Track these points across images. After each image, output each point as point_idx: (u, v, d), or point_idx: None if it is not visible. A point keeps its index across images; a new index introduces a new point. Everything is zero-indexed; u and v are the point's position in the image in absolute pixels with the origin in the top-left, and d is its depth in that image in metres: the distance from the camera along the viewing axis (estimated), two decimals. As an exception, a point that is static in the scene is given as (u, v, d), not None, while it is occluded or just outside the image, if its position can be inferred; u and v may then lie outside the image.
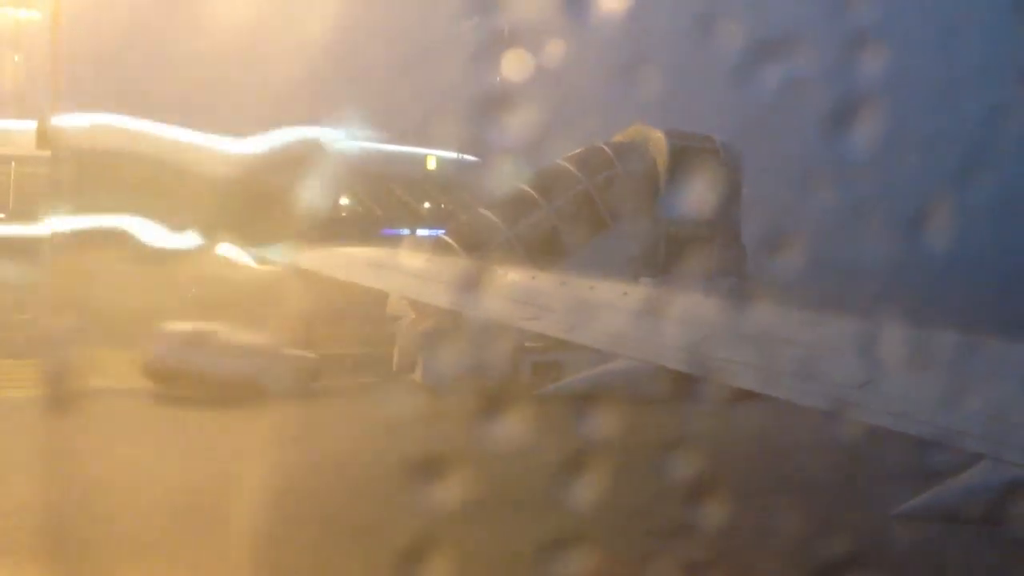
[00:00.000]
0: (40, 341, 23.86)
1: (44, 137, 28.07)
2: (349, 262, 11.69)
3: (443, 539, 9.73)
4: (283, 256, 13.14)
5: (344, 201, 33.82)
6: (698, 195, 26.16)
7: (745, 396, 7.76)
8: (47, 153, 28.13)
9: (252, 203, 29.32)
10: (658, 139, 27.83)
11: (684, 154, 27.32)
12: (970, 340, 7.13)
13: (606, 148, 28.21)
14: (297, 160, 30.97)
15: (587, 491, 10.22)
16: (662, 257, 23.68)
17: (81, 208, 30.26)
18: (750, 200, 27.68)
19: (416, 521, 10.23)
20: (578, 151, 28.17)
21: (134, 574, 10.83)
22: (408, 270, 11.39)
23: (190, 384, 22.45)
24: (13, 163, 31.74)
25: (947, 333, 7.34)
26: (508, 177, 35.24)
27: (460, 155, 41.80)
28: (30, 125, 28.96)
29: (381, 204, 33.12)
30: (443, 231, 28.90)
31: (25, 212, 30.11)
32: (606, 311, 9.19)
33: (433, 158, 40.00)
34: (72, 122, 28.45)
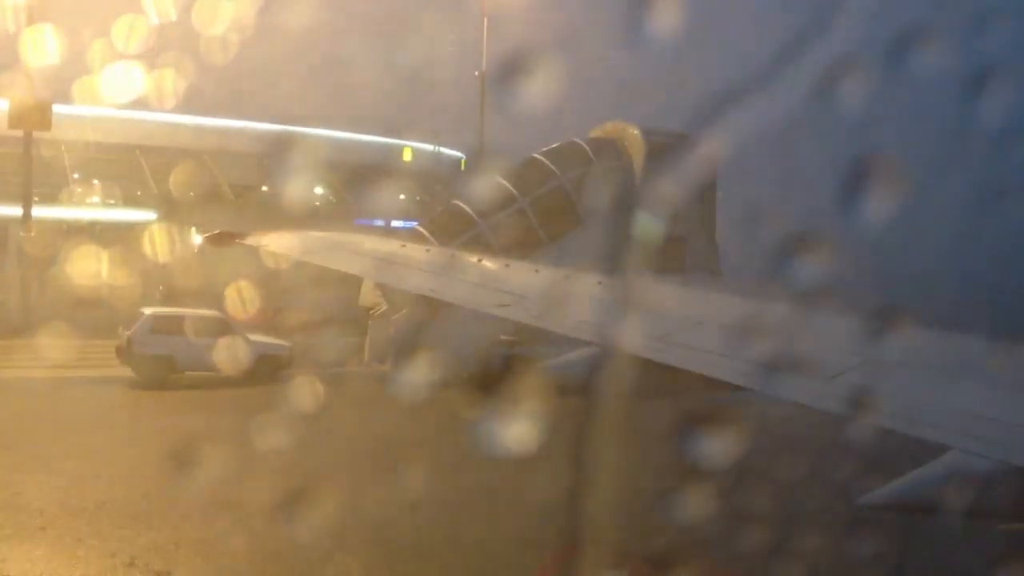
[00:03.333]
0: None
1: (16, 117, 27.85)
2: (324, 247, 11.63)
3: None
4: (256, 241, 13.06)
5: (318, 191, 33.73)
6: (673, 192, 26.20)
7: (719, 386, 7.79)
8: (19, 133, 27.94)
9: (231, 189, 29.21)
10: (634, 136, 27.91)
11: (660, 151, 27.40)
12: (940, 335, 7.20)
13: (582, 144, 28.27)
14: (274, 148, 30.77)
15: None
16: (636, 252, 23.69)
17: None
18: (726, 197, 27.87)
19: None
20: (554, 146, 28.22)
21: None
22: (381, 256, 11.34)
23: (161, 369, 22.37)
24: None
25: (919, 327, 7.40)
26: (485, 171, 35.25)
27: (438, 148, 41.84)
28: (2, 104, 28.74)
29: (355, 194, 33.01)
30: (417, 223, 28.89)
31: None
32: (580, 300, 9.18)
33: (410, 150, 40.02)
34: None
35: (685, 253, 26.85)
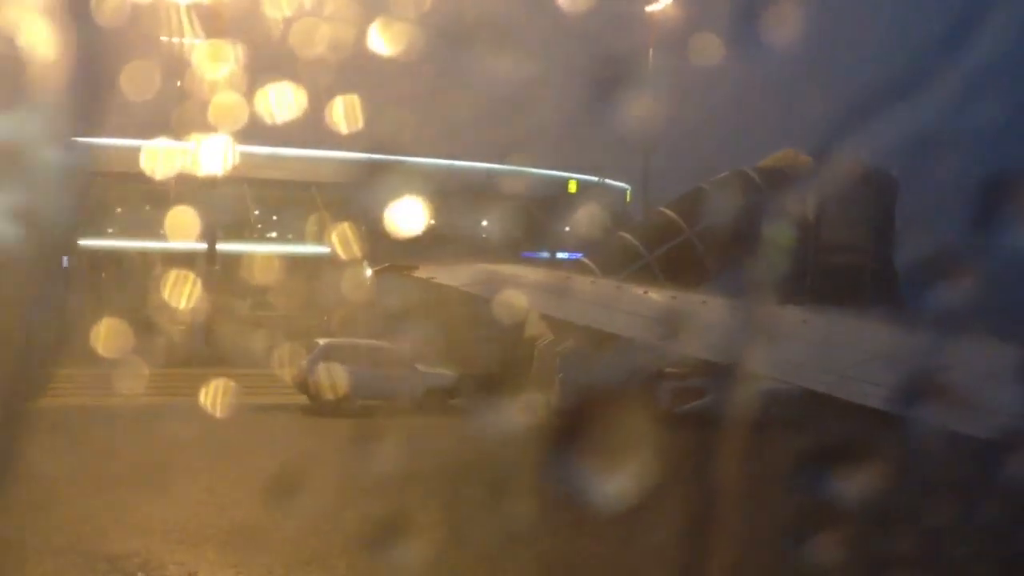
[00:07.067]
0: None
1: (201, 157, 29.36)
2: (489, 278, 11.73)
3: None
4: (424, 273, 13.29)
5: (484, 223, 34.21)
6: (848, 222, 25.32)
7: (891, 421, 7.43)
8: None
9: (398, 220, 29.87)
10: (806, 164, 27.14)
11: (834, 180, 26.50)
12: None
13: (752, 173, 27.65)
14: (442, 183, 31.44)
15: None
16: (811, 285, 23.02)
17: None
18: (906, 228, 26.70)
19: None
20: (722, 175, 27.73)
21: None
22: (547, 287, 11.37)
23: (333, 396, 23.01)
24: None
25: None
26: (651, 202, 35.06)
27: (602, 179, 41.87)
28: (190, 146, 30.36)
29: (521, 227, 33.32)
30: (583, 254, 28.86)
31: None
32: (749, 333, 8.88)
33: (575, 182, 40.17)
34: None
35: (864, 284, 25.90)
